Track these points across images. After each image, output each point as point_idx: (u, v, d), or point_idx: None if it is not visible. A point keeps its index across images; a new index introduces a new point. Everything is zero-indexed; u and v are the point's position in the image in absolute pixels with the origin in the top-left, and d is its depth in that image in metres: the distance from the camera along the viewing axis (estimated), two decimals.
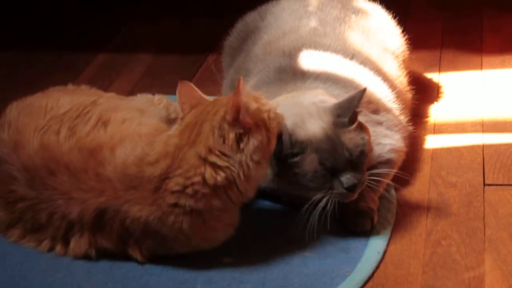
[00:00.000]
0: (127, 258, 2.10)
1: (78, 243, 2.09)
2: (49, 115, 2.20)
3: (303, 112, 2.13)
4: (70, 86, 2.45)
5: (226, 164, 2.00)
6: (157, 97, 2.55)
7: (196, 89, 2.12)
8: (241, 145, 2.01)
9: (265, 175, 2.12)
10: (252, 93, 2.14)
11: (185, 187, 2.00)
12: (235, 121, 2.00)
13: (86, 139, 2.12)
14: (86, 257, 2.10)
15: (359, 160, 2.11)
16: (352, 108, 2.12)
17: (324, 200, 2.09)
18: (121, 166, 2.04)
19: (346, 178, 2.09)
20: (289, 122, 2.11)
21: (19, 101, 2.32)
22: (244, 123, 2.00)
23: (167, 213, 2.01)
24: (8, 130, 2.18)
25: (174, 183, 2.00)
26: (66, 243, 2.11)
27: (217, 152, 2.00)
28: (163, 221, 2.01)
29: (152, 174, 2.01)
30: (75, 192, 2.05)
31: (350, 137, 2.12)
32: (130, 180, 2.03)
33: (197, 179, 2.00)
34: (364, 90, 2.15)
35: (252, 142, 2.02)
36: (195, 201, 2.00)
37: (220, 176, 2.00)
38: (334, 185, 2.09)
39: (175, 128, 2.08)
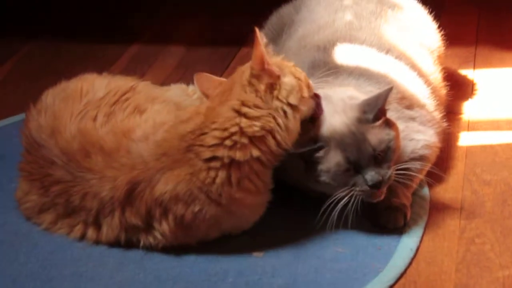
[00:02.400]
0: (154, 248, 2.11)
1: (110, 225, 2.09)
2: (85, 99, 2.23)
3: (329, 109, 2.12)
4: (105, 74, 2.46)
5: (260, 114, 2.01)
6: (191, 87, 2.55)
7: (213, 76, 2.14)
8: (275, 93, 2.02)
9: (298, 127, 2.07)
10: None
11: (224, 139, 2.01)
12: (262, 71, 2.00)
13: (121, 124, 2.15)
14: (117, 241, 2.11)
15: (385, 156, 2.10)
16: (377, 106, 2.11)
17: (347, 197, 2.07)
18: (150, 135, 2.07)
19: (370, 175, 2.07)
20: None
21: (54, 87, 2.33)
22: (271, 71, 2.00)
23: (199, 169, 2.01)
24: (45, 115, 2.21)
25: (211, 137, 2.01)
26: (98, 227, 2.11)
27: (250, 104, 2.01)
28: (195, 178, 2.01)
29: (184, 130, 2.03)
30: (108, 171, 2.06)
31: (374, 133, 2.10)
32: (160, 146, 2.04)
33: (234, 129, 2.01)
34: (391, 88, 2.14)
35: (284, 87, 2.03)
36: (235, 151, 2.01)
37: (256, 126, 2.01)
38: (358, 183, 2.07)
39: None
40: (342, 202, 2.07)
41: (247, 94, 2.02)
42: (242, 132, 2.01)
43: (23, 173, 2.23)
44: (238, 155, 2.01)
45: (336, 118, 2.11)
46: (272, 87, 2.02)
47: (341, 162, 2.08)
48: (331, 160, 2.08)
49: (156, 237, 2.09)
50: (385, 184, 2.09)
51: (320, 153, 2.09)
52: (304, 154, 2.09)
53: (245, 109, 2.01)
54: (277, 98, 2.02)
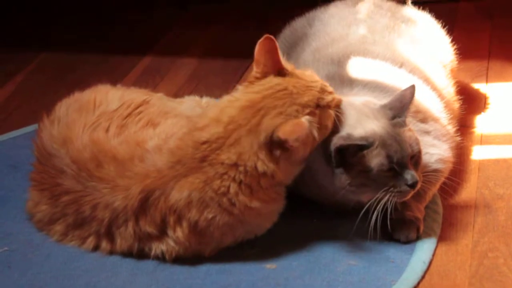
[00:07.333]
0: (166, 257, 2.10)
1: (124, 236, 2.09)
2: (98, 111, 2.23)
3: (358, 113, 2.13)
4: (118, 86, 2.47)
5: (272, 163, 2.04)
6: (204, 99, 2.56)
7: (279, 51, 2.11)
8: (279, 158, 2.05)
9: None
10: (321, 85, 2.12)
11: (238, 165, 2.03)
12: (284, 144, 2.02)
13: (134, 135, 2.16)
14: (130, 252, 2.11)
15: (418, 157, 2.13)
16: (406, 105, 2.13)
17: (384, 200, 2.08)
18: (163, 145, 2.08)
19: (411, 175, 2.08)
20: (345, 122, 2.12)
21: (68, 97, 2.34)
22: (290, 147, 2.03)
23: (213, 177, 2.03)
24: (58, 125, 2.22)
25: (226, 157, 2.03)
26: (111, 238, 2.11)
27: (266, 152, 2.03)
28: (209, 185, 2.03)
29: (199, 138, 2.04)
30: (120, 180, 2.06)
31: (408, 135, 2.12)
32: (174, 154, 2.05)
33: (250, 163, 2.03)
34: (413, 86, 2.15)
35: (288, 158, 2.06)
36: (245, 176, 2.04)
37: (270, 169, 2.04)
38: (397, 183, 2.09)
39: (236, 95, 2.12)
40: (381, 204, 2.08)
41: (266, 138, 2.03)
42: (256, 168, 2.03)
43: (34, 183, 2.24)
44: (247, 180, 2.04)
45: (369, 122, 2.12)
46: (285, 153, 2.04)
47: (385, 162, 2.08)
48: (373, 160, 2.08)
49: (170, 245, 2.09)
50: (419, 185, 2.11)
51: (365, 151, 2.09)
52: (344, 152, 2.09)
53: (262, 155, 2.03)
54: (281, 161, 2.05)
